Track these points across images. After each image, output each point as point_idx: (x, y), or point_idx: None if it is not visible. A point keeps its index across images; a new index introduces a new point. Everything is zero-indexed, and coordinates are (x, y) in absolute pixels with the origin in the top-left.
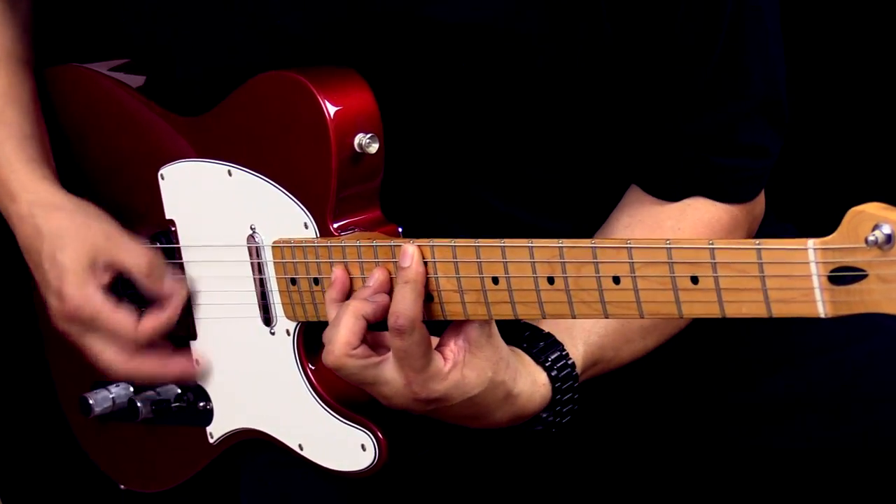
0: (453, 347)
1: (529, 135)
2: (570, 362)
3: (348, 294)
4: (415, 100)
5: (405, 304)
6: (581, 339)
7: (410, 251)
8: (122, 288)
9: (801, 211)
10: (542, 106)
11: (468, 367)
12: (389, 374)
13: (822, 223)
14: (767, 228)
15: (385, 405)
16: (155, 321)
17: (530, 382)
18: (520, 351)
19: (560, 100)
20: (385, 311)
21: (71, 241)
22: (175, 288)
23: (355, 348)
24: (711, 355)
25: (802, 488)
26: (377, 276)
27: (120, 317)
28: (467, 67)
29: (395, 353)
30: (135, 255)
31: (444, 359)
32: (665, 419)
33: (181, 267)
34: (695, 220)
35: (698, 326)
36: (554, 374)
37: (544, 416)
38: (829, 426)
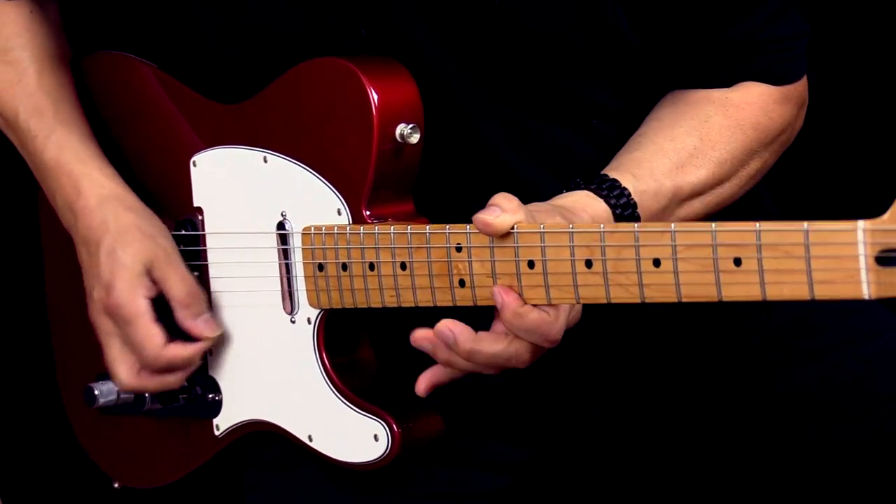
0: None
1: (563, 82)
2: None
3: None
4: (449, 69)
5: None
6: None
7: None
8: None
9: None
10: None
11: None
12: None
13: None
14: None
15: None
16: (181, 351)
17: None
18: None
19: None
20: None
21: (134, 244)
22: (206, 330)
23: None
24: (730, 352)
25: (817, 480)
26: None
27: (154, 332)
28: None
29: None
30: (181, 284)
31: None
32: (680, 413)
33: (203, 253)
34: (744, 91)
35: (718, 323)
36: (612, 202)
37: None
38: (844, 420)
